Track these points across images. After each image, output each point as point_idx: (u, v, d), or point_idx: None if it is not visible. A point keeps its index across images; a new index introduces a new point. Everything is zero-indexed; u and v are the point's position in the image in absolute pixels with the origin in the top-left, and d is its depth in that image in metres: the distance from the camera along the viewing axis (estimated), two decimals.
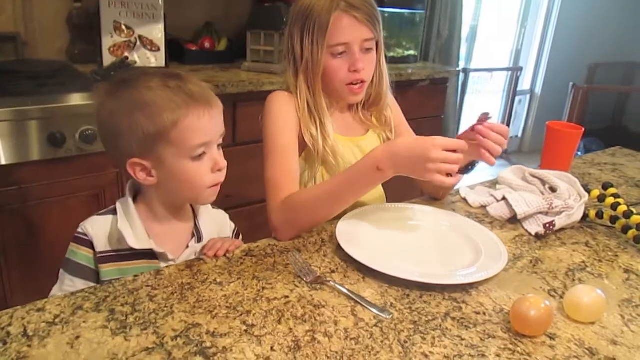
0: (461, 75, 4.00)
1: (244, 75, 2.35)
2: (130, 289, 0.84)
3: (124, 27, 2.27)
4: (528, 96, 4.91)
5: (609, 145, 1.92)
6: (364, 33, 1.14)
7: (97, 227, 0.95)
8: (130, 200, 0.96)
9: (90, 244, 0.94)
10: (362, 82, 1.18)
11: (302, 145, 1.19)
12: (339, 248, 0.98)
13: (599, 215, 1.19)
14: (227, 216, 1.13)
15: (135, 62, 2.27)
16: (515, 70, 4.61)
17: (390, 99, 1.32)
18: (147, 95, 0.87)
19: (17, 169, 1.70)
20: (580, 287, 0.87)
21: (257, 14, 2.53)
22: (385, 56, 1.26)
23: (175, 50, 2.45)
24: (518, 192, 1.19)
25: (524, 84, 4.80)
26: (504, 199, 1.19)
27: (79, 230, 0.95)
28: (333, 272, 0.93)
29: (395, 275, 0.89)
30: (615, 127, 5.27)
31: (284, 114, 1.17)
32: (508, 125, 4.71)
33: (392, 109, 1.32)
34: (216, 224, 1.08)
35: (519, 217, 1.14)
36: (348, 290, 0.86)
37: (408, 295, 0.88)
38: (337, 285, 0.87)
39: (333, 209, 1.05)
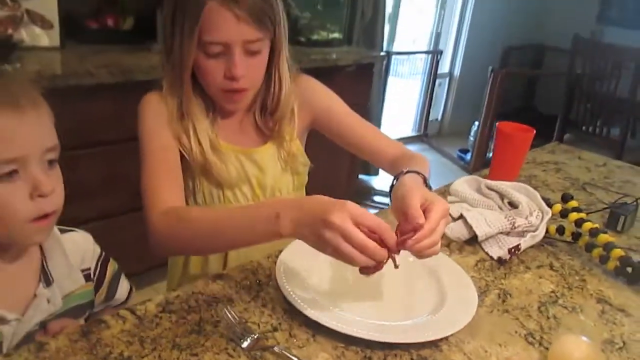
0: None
1: (155, 59, 2.07)
2: None
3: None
4: (447, 79, 4.89)
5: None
6: (247, 32, 0.91)
7: None
8: None
9: None
10: (243, 90, 0.98)
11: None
12: (280, 294, 0.80)
13: (560, 231, 1.08)
14: (89, 239, 0.87)
15: (23, 41, 1.93)
16: (436, 54, 4.57)
17: (308, 82, 1.12)
18: None
19: None
20: (567, 339, 0.74)
21: None
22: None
23: (72, 27, 2.12)
24: (477, 209, 1.06)
25: (443, 67, 4.78)
26: (461, 217, 1.05)
27: None
28: (275, 329, 0.74)
29: (353, 334, 0.72)
30: (526, 107, 5.40)
31: (156, 116, 0.98)
32: (429, 109, 4.68)
33: (314, 91, 1.11)
34: (72, 254, 0.81)
35: (479, 239, 1.01)
36: (297, 357, 0.68)
37: (370, 358, 0.71)
38: (283, 352, 0.69)
39: (214, 243, 0.87)
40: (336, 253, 0.70)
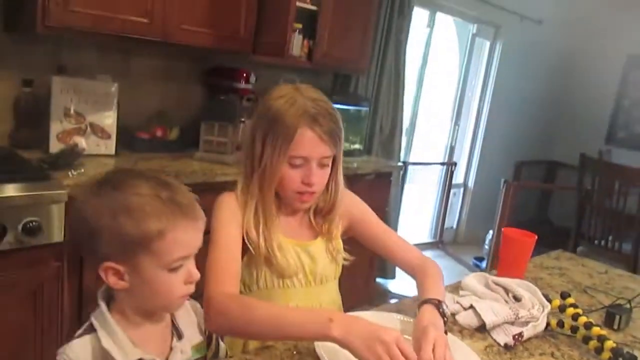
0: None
1: (196, 165, 2.34)
2: None
3: (74, 113, 2.22)
4: (461, 189, 5.13)
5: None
6: (324, 151, 1.15)
7: (80, 353, 0.87)
8: (106, 311, 0.90)
9: None
10: (313, 192, 1.19)
11: (244, 249, 1.18)
12: None
13: (560, 324, 1.22)
14: (198, 304, 1.07)
15: (84, 149, 2.20)
16: (450, 165, 4.84)
17: (349, 195, 1.33)
18: (136, 200, 0.84)
19: None
20: None
21: (211, 106, 2.56)
22: None
23: (126, 137, 2.41)
24: (485, 301, 1.22)
25: (458, 177, 5.03)
26: (472, 307, 1.20)
27: None
28: None
29: None
30: (541, 219, 5.56)
31: (230, 213, 1.18)
32: (444, 217, 4.87)
33: (353, 204, 1.33)
34: (192, 315, 1.03)
35: (487, 327, 1.16)
36: None
37: None
38: None
39: (268, 333, 1.02)
40: None
